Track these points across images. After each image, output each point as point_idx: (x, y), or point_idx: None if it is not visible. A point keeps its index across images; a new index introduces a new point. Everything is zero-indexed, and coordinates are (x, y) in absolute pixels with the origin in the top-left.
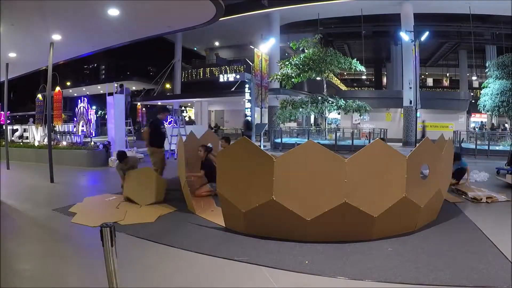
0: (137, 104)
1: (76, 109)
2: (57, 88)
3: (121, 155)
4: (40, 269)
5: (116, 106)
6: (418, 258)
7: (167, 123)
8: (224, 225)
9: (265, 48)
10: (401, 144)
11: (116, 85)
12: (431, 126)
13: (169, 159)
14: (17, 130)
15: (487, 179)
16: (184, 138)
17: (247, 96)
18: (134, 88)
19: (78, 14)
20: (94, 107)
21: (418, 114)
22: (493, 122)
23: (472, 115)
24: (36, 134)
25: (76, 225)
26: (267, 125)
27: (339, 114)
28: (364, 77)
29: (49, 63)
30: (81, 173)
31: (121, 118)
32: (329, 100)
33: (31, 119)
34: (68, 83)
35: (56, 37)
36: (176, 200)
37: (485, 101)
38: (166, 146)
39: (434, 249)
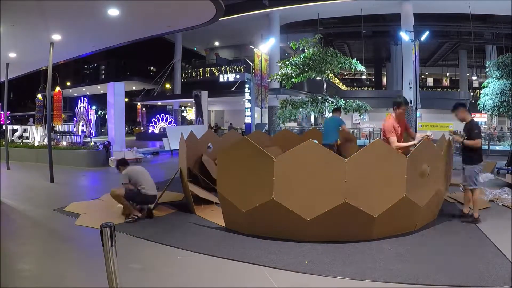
0: (137, 104)
1: (76, 109)
2: (57, 88)
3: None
4: (40, 269)
5: (116, 106)
6: (418, 258)
7: (167, 123)
8: (224, 225)
9: (265, 48)
10: None
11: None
12: (431, 126)
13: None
14: (17, 130)
15: (488, 180)
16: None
17: (247, 96)
18: (134, 88)
19: (78, 14)
20: (94, 107)
21: (418, 114)
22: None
23: (472, 115)
24: (36, 134)
25: (76, 225)
26: (267, 125)
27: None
28: (364, 77)
29: (49, 63)
30: (81, 173)
31: (121, 118)
32: (329, 100)
33: (31, 119)
34: (68, 83)
35: (56, 37)
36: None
37: (485, 101)
38: (167, 146)
39: (434, 249)
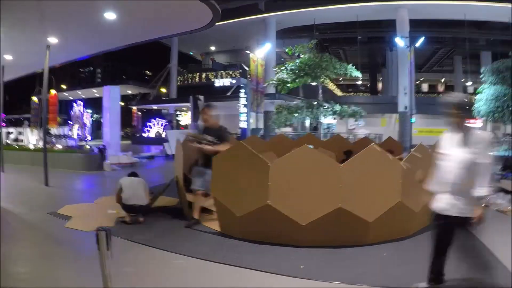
0: (132, 108)
1: (72, 113)
2: (53, 91)
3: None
4: (35, 272)
5: (111, 110)
6: (413, 263)
7: (162, 127)
8: (219, 230)
9: (261, 53)
10: None
11: None
12: (426, 131)
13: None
14: (12, 133)
15: None
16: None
17: (243, 101)
18: (129, 92)
19: (75, 17)
20: (89, 111)
21: (412, 120)
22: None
23: (467, 121)
24: (31, 137)
25: (71, 229)
26: (262, 130)
27: (334, 119)
28: (359, 82)
29: (45, 66)
30: (76, 177)
31: (117, 122)
32: (325, 105)
33: (26, 122)
34: (64, 86)
35: (53, 40)
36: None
37: (480, 106)
38: (168, 150)
39: (429, 254)
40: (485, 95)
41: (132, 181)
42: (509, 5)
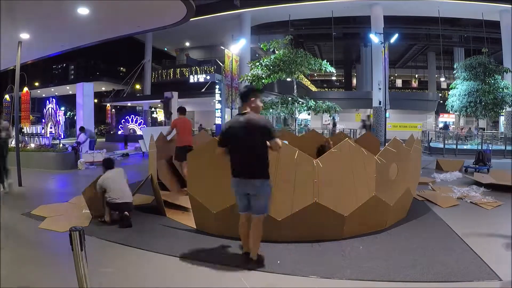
0: (106, 105)
1: (45, 110)
2: (25, 89)
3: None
4: (9, 274)
5: (85, 107)
6: (389, 255)
7: (137, 124)
8: (195, 227)
9: (236, 49)
10: None
11: None
12: (400, 126)
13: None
14: None
15: (456, 178)
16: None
17: (218, 97)
18: (103, 88)
19: (48, 13)
20: (62, 108)
21: (387, 115)
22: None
23: (440, 115)
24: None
25: (45, 229)
26: None
27: (309, 114)
28: (334, 78)
29: (17, 62)
30: (49, 176)
31: (90, 119)
32: (299, 101)
33: None
34: (37, 84)
35: (25, 36)
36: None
37: (453, 101)
38: (143, 147)
39: (405, 246)
40: (458, 91)
41: (116, 175)
42: (509, 5)
